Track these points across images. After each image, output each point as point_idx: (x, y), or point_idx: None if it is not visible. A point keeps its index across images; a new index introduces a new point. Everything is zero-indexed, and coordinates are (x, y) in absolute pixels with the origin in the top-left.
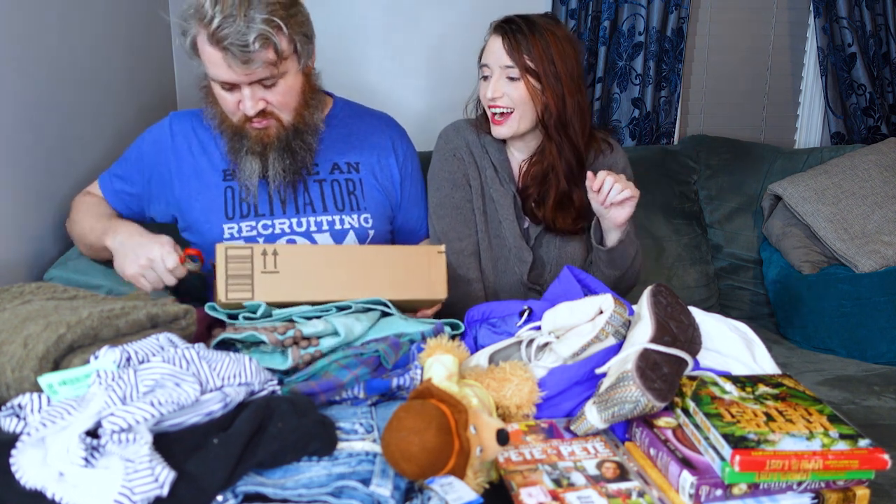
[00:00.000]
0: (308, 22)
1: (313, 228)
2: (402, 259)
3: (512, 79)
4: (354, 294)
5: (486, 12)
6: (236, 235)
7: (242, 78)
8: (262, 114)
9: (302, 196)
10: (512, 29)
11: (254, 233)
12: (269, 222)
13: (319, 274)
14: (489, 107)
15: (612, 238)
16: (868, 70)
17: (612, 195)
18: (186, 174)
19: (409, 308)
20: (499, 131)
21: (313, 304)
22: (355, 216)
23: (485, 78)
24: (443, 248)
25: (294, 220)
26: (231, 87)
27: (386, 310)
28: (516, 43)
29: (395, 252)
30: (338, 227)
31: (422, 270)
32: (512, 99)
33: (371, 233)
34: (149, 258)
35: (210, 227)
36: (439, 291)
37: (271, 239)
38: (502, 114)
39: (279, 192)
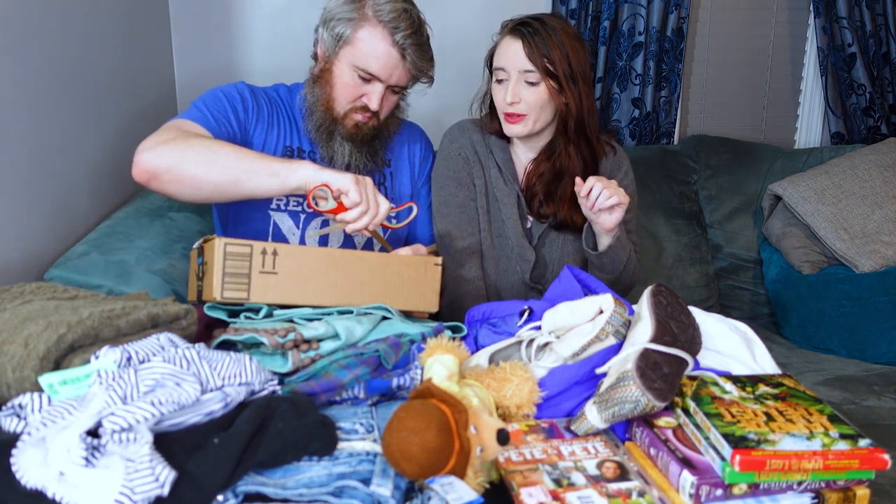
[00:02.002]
0: None
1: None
2: (399, 268)
3: (530, 83)
4: (349, 300)
5: (485, 13)
6: (283, 208)
7: (392, 79)
8: (374, 111)
9: None
10: (530, 31)
11: (298, 208)
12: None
13: (317, 278)
14: (505, 112)
15: (602, 243)
16: (868, 70)
17: (601, 201)
18: (256, 141)
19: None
20: (513, 130)
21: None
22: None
23: (499, 81)
24: (440, 260)
25: None
26: (369, 80)
27: (387, 314)
28: (536, 46)
29: (394, 261)
30: None
31: (417, 282)
32: (529, 104)
33: (394, 221)
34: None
35: None
36: (432, 304)
37: (310, 217)
38: (518, 115)
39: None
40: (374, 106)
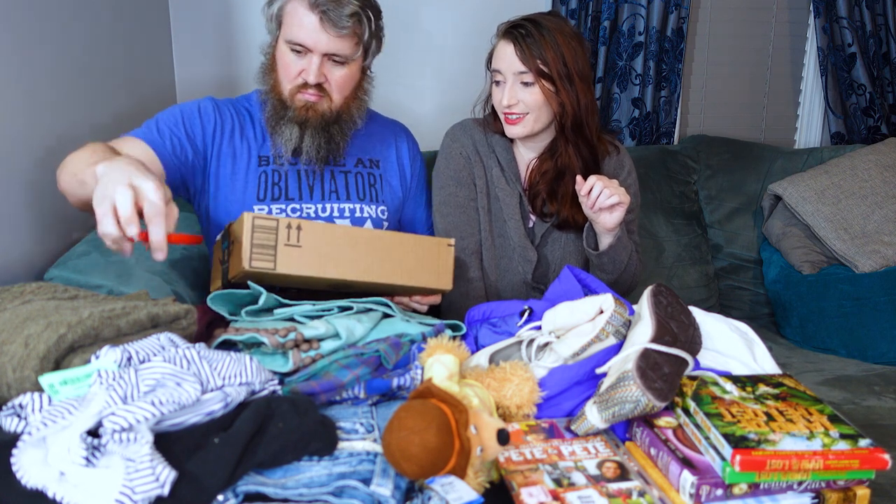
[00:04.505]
0: (384, 35)
1: (336, 214)
2: (415, 247)
3: (526, 84)
4: (369, 275)
5: (486, 12)
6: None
7: (321, 45)
8: (319, 87)
9: (329, 183)
10: (522, 34)
11: (282, 215)
12: (297, 206)
13: (339, 253)
14: (504, 113)
15: (603, 242)
16: (868, 70)
17: (601, 200)
18: (225, 153)
19: (408, 292)
20: (513, 131)
21: (330, 281)
22: (373, 207)
23: (496, 83)
24: (452, 241)
25: (319, 206)
26: (303, 52)
27: (387, 311)
28: (528, 48)
29: (409, 240)
30: (357, 214)
31: (432, 261)
32: (527, 104)
33: (385, 224)
34: (131, 184)
35: (241, 206)
36: (445, 282)
37: None
38: (518, 116)
39: (308, 175)
40: (311, 79)
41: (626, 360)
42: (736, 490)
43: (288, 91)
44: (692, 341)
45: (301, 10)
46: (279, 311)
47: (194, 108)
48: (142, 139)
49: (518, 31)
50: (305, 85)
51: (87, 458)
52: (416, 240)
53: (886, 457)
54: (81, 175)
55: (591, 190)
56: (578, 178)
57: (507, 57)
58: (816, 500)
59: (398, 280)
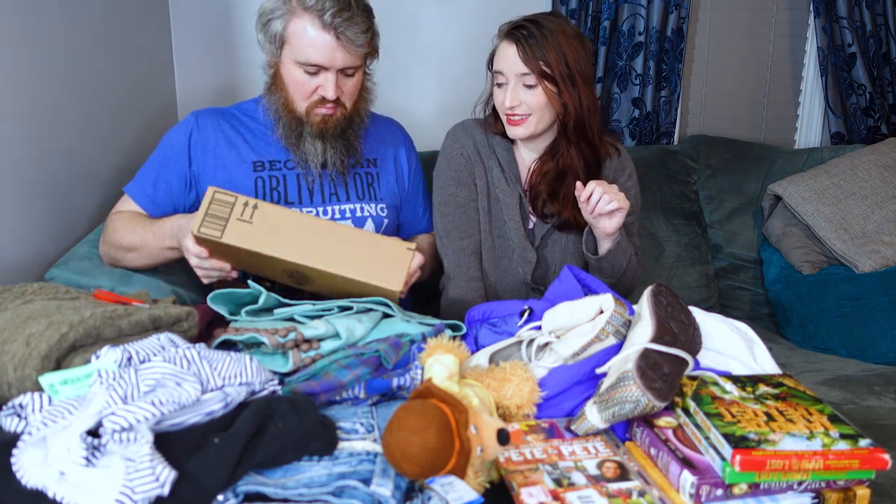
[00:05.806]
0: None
1: (337, 216)
2: (369, 244)
3: (528, 86)
4: (316, 262)
5: (486, 12)
6: None
7: (337, 63)
8: (334, 100)
9: (328, 186)
10: (524, 35)
11: None
12: (297, 209)
13: (289, 236)
14: (507, 114)
15: (602, 247)
16: (868, 70)
17: (601, 206)
18: (212, 166)
19: (359, 288)
20: (515, 132)
21: (280, 263)
22: (373, 205)
23: (499, 85)
24: (413, 245)
25: (320, 209)
26: (316, 71)
27: (387, 311)
28: (531, 49)
29: (364, 236)
30: (358, 214)
31: (386, 259)
32: (529, 106)
33: (386, 221)
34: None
35: None
36: (396, 283)
37: None
38: (521, 117)
39: (307, 179)
40: (330, 95)
41: (626, 360)
42: (736, 490)
43: (304, 108)
44: (692, 341)
45: (312, 31)
46: (279, 311)
47: (180, 139)
48: (136, 202)
49: (520, 33)
50: (322, 100)
51: (87, 458)
52: (374, 237)
53: (886, 457)
54: (161, 256)
55: (590, 195)
56: (578, 183)
57: (510, 58)
58: (816, 500)
59: (348, 273)
